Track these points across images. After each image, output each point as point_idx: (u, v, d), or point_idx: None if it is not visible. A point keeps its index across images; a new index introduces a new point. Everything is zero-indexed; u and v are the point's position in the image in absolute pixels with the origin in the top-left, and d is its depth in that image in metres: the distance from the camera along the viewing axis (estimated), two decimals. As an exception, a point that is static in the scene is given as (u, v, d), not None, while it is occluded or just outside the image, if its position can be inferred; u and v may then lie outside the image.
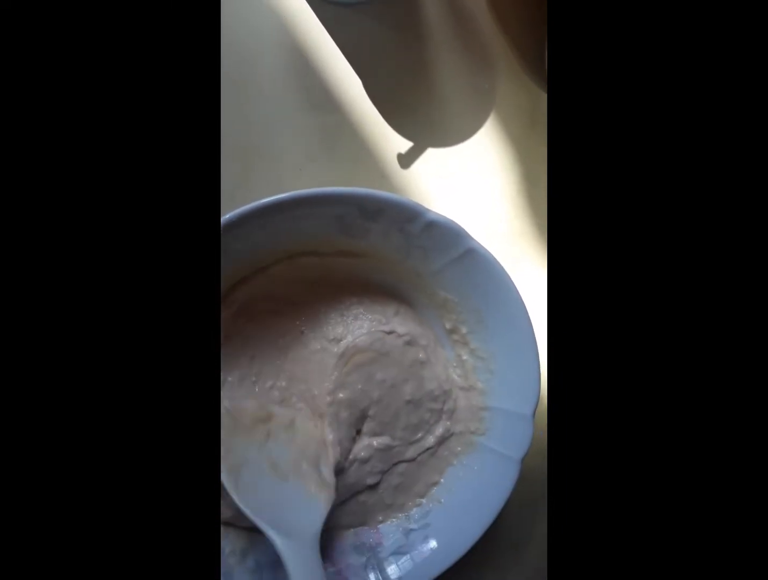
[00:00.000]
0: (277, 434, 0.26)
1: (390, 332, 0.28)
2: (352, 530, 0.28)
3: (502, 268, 0.25)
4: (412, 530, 0.27)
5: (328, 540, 0.27)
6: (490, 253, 0.25)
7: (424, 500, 0.28)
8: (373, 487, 0.28)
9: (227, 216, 0.23)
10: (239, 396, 0.27)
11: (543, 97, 0.32)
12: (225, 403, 0.26)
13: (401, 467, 0.28)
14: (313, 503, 0.25)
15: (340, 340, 0.28)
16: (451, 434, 0.29)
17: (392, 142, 0.31)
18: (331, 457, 0.26)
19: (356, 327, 0.28)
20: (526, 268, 0.32)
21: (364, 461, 0.28)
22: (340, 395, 0.27)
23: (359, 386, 0.27)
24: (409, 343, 0.28)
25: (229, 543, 0.26)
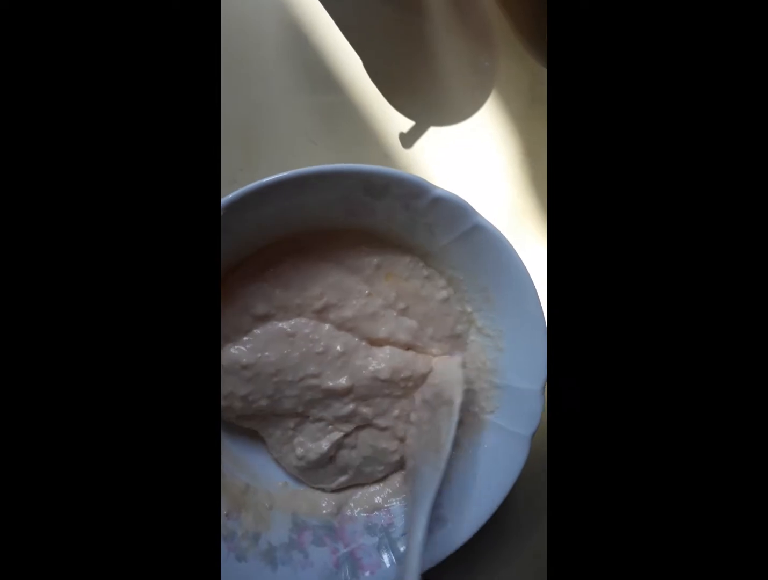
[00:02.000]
0: None
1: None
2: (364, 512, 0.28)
3: (509, 243, 0.25)
4: (423, 509, 0.27)
5: (340, 521, 0.27)
6: (496, 229, 0.25)
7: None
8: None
9: (228, 196, 0.23)
10: None
11: (544, 74, 0.32)
12: None
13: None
14: None
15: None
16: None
17: (394, 122, 0.31)
18: None
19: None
20: (530, 245, 0.31)
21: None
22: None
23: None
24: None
25: (241, 526, 0.25)
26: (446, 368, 0.27)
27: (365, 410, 0.27)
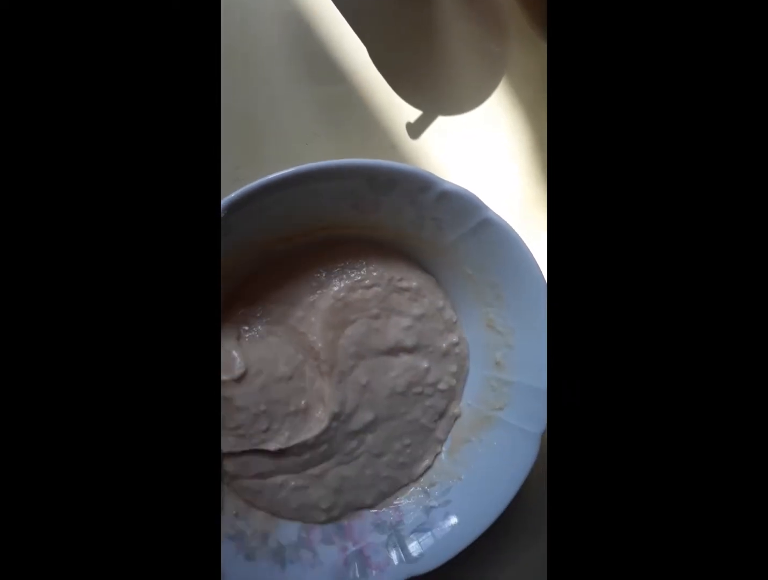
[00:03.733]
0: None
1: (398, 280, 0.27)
2: (373, 510, 0.28)
3: (520, 238, 0.24)
4: (432, 507, 0.27)
5: (349, 519, 0.27)
6: (507, 224, 0.24)
7: (441, 479, 0.28)
8: (381, 460, 0.28)
9: (231, 195, 0.22)
10: None
11: (556, 60, 0.31)
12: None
13: (407, 440, 0.28)
14: None
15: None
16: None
17: (401, 111, 0.30)
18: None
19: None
20: (542, 237, 0.31)
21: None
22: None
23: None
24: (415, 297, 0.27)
25: (249, 526, 0.25)
26: None
27: None
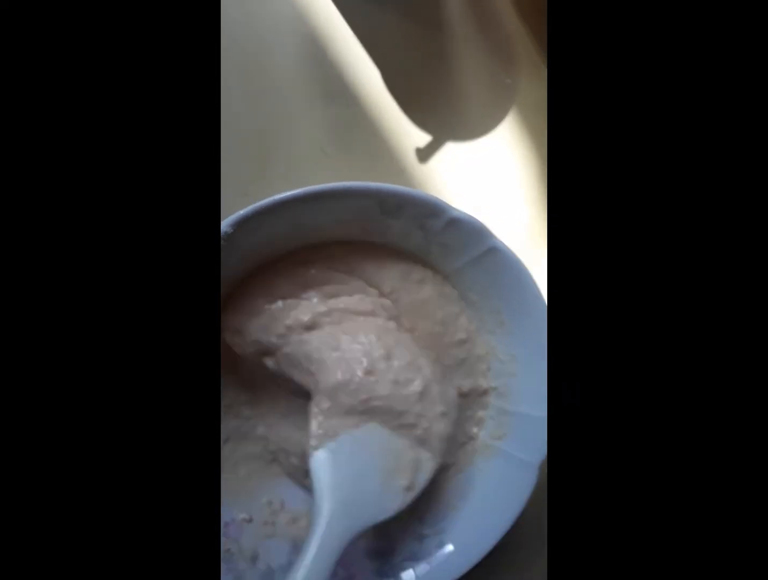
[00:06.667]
0: None
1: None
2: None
3: (525, 268, 0.24)
4: (426, 535, 0.27)
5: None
6: (513, 253, 0.24)
7: (435, 507, 0.28)
8: None
9: (240, 212, 0.22)
10: None
11: (565, 92, 0.32)
12: None
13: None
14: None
15: None
16: None
17: (411, 136, 0.30)
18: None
19: None
20: (545, 265, 0.31)
21: None
22: None
23: None
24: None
25: (239, 548, 0.25)
26: None
27: None
